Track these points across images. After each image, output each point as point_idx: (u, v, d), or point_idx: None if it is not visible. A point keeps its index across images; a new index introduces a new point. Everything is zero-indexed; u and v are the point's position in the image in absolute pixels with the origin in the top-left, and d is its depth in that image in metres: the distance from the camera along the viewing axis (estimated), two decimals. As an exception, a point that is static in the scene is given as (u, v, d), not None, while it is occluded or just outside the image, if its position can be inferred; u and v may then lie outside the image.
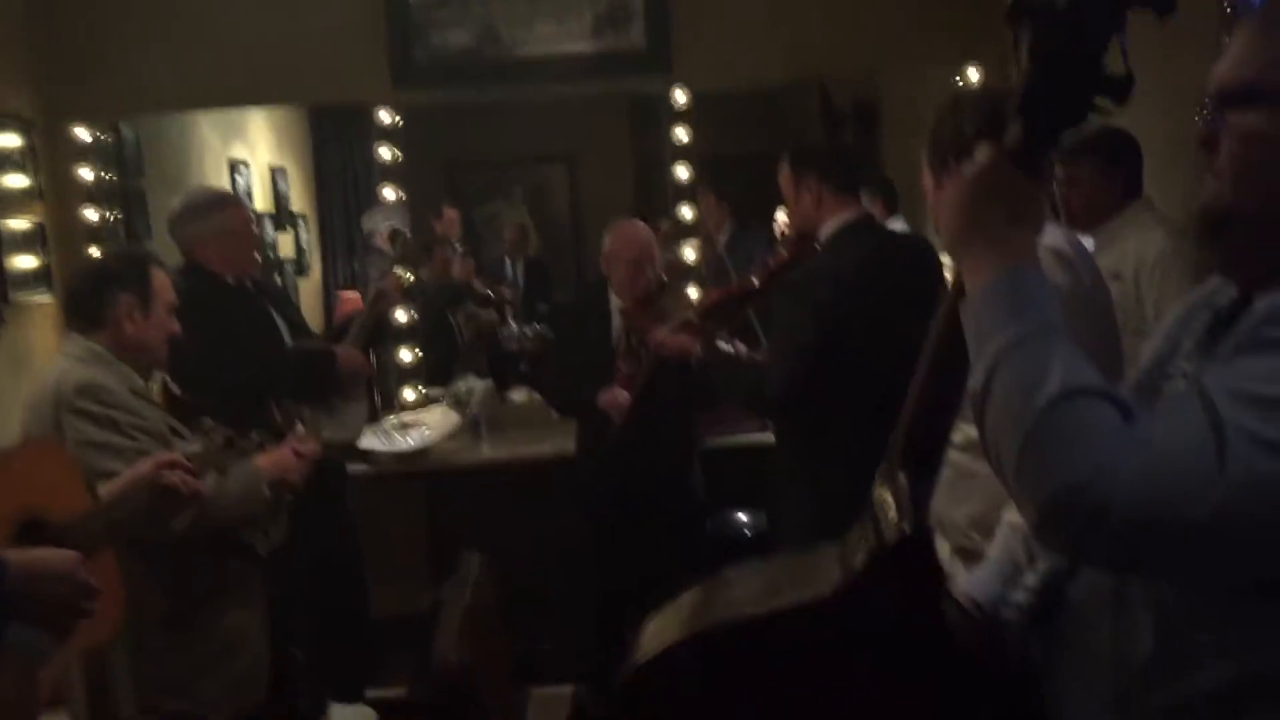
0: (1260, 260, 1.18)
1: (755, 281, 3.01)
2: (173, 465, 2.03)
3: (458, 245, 6.34)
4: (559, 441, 4.23)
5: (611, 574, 3.82)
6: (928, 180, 2.28)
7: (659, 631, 1.42)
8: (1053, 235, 2.16)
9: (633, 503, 3.66)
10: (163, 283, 2.58)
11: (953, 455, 2.29)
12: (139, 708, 2.45)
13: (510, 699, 2.64)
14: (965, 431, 2.21)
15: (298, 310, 3.97)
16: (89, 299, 2.50)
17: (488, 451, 4.44)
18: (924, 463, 1.33)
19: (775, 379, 2.79)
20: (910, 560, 1.25)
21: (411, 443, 4.19)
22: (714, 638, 1.33)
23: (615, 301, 3.77)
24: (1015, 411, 1.08)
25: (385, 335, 4.22)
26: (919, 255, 2.95)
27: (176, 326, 2.63)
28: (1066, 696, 1.25)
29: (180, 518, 2.23)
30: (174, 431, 2.47)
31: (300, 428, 2.79)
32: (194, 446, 2.16)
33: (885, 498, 1.33)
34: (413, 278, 4.67)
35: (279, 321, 3.65)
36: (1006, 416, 1.09)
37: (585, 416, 3.79)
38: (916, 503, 1.28)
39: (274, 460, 2.52)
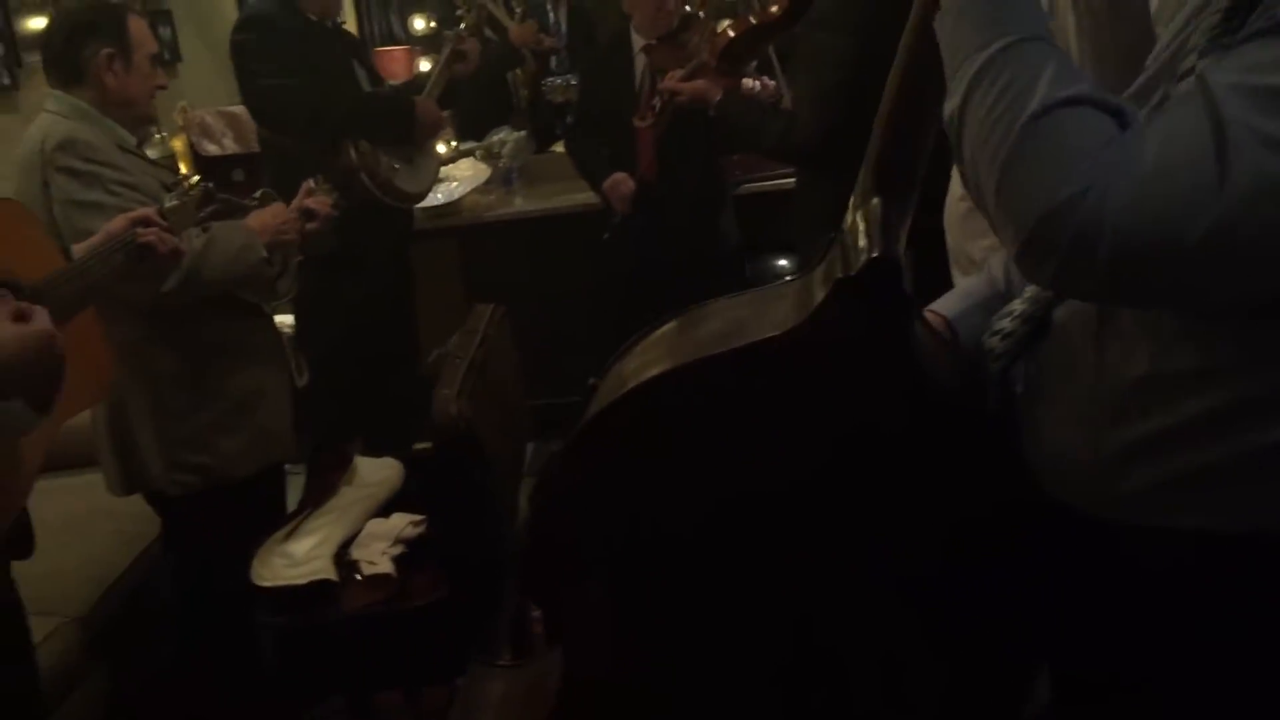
0: None
1: (774, 9, 2.76)
2: (146, 222, 1.96)
3: (518, 6, 6.01)
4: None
5: (649, 323, 3.76)
6: None
7: (626, 373, 1.36)
8: None
9: (665, 252, 3.56)
10: (142, 32, 2.46)
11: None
12: (164, 464, 2.48)
13: (520, 447, 2.64)
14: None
15: (374, 65, 3.93)
16: (64, 52, 2.38)
17: (520, 204, 4.34)
18: (900, 185, 1.22)
19: (808, 124, 2.59)
20: (876, 287, 1.14)
21: (440, 198, 4.10)
22: (674, 380, 1.26)
23: (638, 42, 3.56)
24: (997, 128, 0.96)
25: (459, 94, 4.07)
26: None
27: (163, 79, 2.53)
28: (1047, 425, 1.17)
29: (167, 278, 2.18)
30: (166, 188, 2.39)
31: (310, 182, 2.71)
32: (171, 202, 2.09)
33: (856, 224, 1.22)
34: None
35: (359, 69, 3.64)
36: (988, 134, 0.97)
37: (595, 186, 3.67)
38: (887, 228, 1.17)
39: (267, 219, 2.45)
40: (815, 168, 2.79)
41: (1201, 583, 1.07)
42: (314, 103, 3.35)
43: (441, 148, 4.57)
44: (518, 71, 5.80)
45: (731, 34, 2.86)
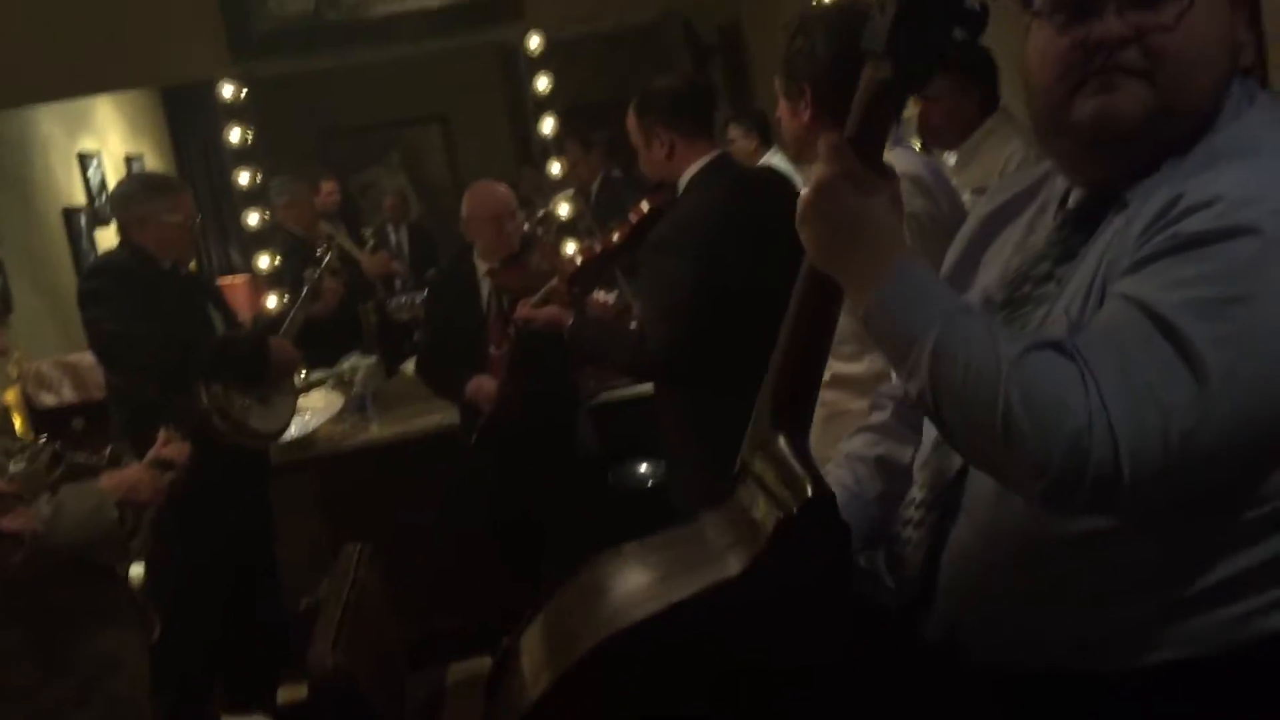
0: (1140, 158, 1.17)
1: (616, 238, 2.93)
2: None
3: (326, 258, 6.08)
4: (451, 412, 4.14)
5: (515, 540, 3.77)
6: (784, 108, 2.23)
7: (548, 652, 1.31)
8: (909, 161, 2.12)
9: (524, 467, 3.59)
10: None
11: (826, 395, 2.25)
12: (12, 747, 2.30)
13: (399, 688, 2.55)
14: (834, 368, 2.17)
15: (229, 306, 3.92)
16: None
17: (377, 430, 4.31)
18: (799, 421, 1.27)
19: (655, 342, 2.69)
20: (819, 521, 1.17)
21: (294, 431, 4.04)
22: (622, 645, 1.20)
23: (482, 266, 3.68)
24: (979, 397, 1.03)
25: (316, 334, 4.02)
26: (780, 190, 2.88)
27: (4, 342, 2.47)
28: (988, 597, 1.21)
29: (14, 554, 2.08)
30: (6, 454, 2.31)
31: (164, 432, 2.65)
32: (18, 467, 2.01)
33: (766, 460, 1.25)
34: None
35: (213, 312, 3.64)
36: (970, 405, 1.05)
37: (456, 400, 3.72)
38: (806, 462, 1.21)
39: (120, 479, 2.37)
40: (666, 382, 2.89)
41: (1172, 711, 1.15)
42: (167, 347, 3.31)
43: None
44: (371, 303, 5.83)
45: (579, 262, 3.00)
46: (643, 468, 4.14)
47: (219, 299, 3.84)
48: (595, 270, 3.03)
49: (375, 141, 8.18)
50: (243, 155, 4.48)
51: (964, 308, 1.12)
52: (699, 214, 2.69)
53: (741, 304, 2.62)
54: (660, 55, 7.31)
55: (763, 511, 1.22)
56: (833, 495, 1.18)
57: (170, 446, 2.56)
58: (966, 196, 2.77)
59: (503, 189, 3.80)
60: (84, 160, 5.90)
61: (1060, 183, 1.30)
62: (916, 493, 1.32)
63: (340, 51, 4.50)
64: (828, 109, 2.09)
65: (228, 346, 3.57)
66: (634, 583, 1.34)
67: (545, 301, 3.01)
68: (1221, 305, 1.01)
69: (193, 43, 4.30)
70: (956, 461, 1.24)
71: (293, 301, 3.86)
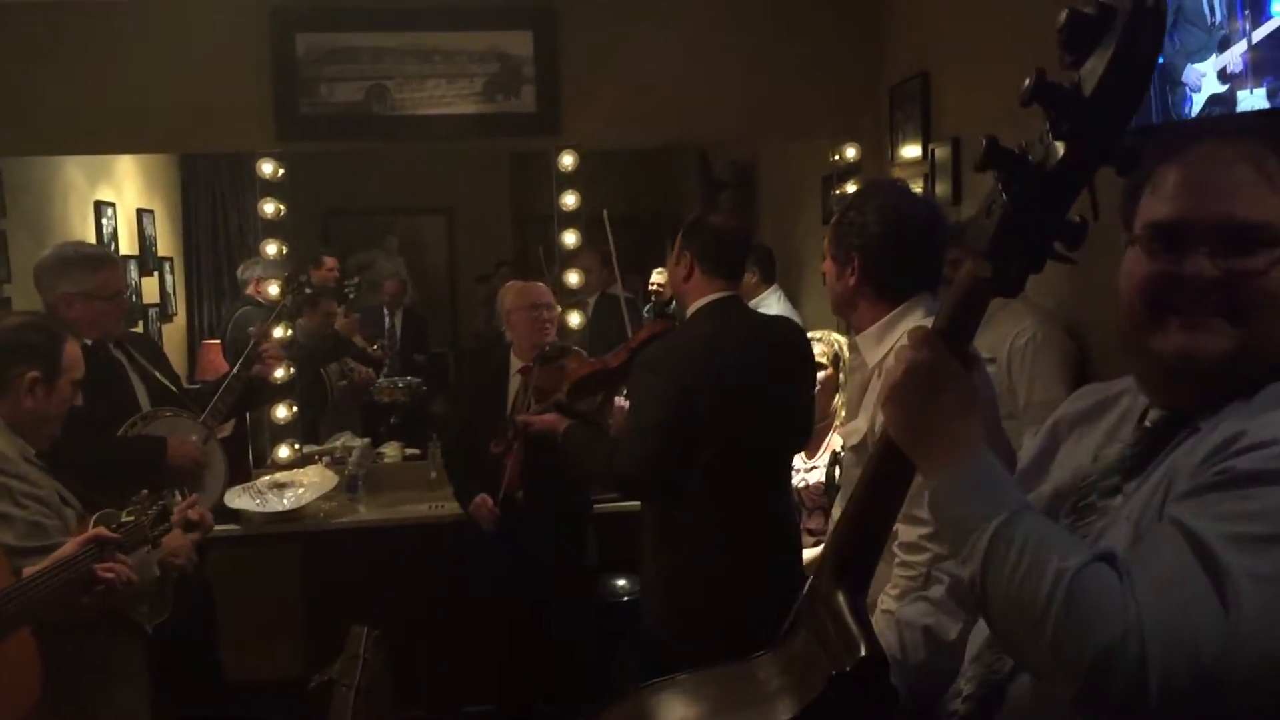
0: (1216, 393, 1.22)
1: (617, 360, 3.07)
2: (99, 541, 1.99)
3: (349, 295, 6.20)
4: (436, 502, 4.26)
5: (503, 637, 3.84)
6: (830, 269, 2.38)
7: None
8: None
9: (529, 566, 3.68)
10: (73, 358, 2.49)
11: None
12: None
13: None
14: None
15: (167, 367, 3.71)
16: None
17: (364, 512, 4.35)
18: (859, 580, 1.33)
19: (625, 456, 2.79)
20: (869, 681, 1.24)
21: (286, 503, 4.09)
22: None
23: (516, 364, 3.80)
24: (1024, 596, 1.10)
25: (263, 395, 4.04)
26: (783, 334, 3.04)
27: (77, 398, 2.53)
28: None
29: (93, 598, 2.14)
30: (64, 501, 2.38)
31: (189, 495, 2.74)
32: (126, 519, 2.11)
33: (821, 614, 1.32)
34: (289, 332, 4.56)
35: (137, 385, 3.44)
36: (1017, 602, 1.11)
37: (463, 506, 3.81)
38: (863, 622, 1.28)
39: (171, 541, 2.44)
40: (633, 494, 3.01)
41: None
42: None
43: (285, 451, 4.59)
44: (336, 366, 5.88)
45: (578, 377, 3.14)
46: (620, 581, 4.20)
47: (155, 364, 3.57)
48: (592, 385, 3.14)
49: (378, 225, 8.33)
50: (271, 228, 4.58)
51: (1028, 506, 1.18)
52: (693, 343, 2.81)
53: (718, 436, 2.75)
54: (672, 180, 7.58)
55: (816, 662, 1.29)
56: (885, 658, 1.24)
57: (195, 509, 2.62)
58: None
59: (540, 284, 3.98)
60: (100, 209, 6.01)
61: (1142, 398, 1.36)
62: (964, 686, 1.35)
63: (379, 142, 4.64)
64: (872, 277, 2.29)
65: (121, 454, 3.25)
66: (683, 715, 1.40)
67: (550, 409, 3.12)
68: (1263, 543, 1.07)
69: (243, 118, 4.43)
70: (1009, 663, 1.29)
71: (236, 364, 3.66)
